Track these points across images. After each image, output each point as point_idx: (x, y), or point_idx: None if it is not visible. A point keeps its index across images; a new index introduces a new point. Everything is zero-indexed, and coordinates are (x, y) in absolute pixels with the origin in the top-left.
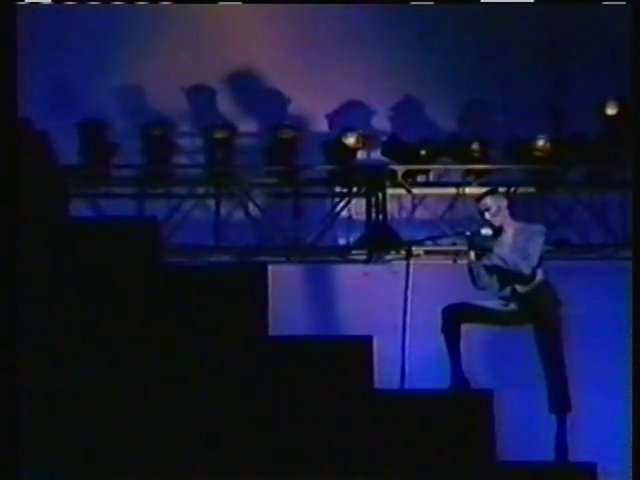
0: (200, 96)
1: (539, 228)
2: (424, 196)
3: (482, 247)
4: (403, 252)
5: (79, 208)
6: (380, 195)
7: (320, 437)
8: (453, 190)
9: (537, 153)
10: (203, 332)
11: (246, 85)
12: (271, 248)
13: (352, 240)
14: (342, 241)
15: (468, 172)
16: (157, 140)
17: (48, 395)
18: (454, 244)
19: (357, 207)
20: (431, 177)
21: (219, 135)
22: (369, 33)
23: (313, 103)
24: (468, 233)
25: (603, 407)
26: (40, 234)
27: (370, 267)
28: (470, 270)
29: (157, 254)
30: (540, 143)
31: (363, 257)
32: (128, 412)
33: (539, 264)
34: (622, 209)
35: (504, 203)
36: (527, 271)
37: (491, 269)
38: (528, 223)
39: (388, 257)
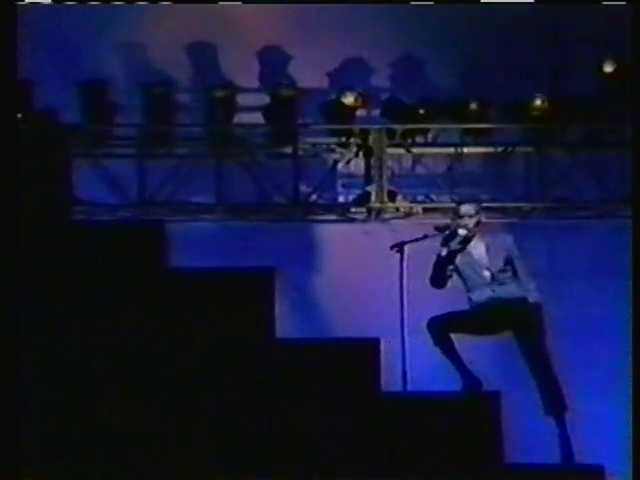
0: (200, 55)
1: (507, 242)
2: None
3: (455, 247)
4: (402, 210)
5: (81, 168)
6: (379, 154)
7: (328, 439)
8: (452, 150)
9: (535, 112)
10: (210, 334)
11: (246, 43)
12: (271, 206)
13: (351, 198)
14: (342, 199)
15: (466, 131)
16: (158, 99)
17: (50, 398)
18: (453, 201)
19: (356, 166)
20: (430, 137)
21: (219, 94)
22: None
23: (313, 61)
24: (447, 232)
25: (608, 407)
26: (45, 236)
27: (370, 225)
28: (436, 266)
29: (164, 257)
30: (538, 102)
31: (362, 215)
32: (134, 414)
33: (514, 271)
34: (620, 167)
35: (483, 217)
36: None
37: (456, 272)
38: (497, 235)
39: (387, 216)
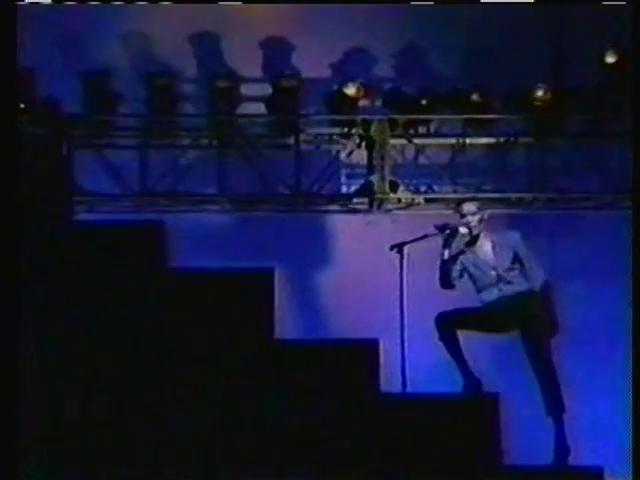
0: (203, 45)
1: (514, 238)
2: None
3: (457, 247)
4: (404, 201)
5: (83, 158)
6: (381, 145)
7: (327, 439)
8: (454, 140)
9: (537, 103)
10: (209, 335)
11: (249, 34)
12: (273, 197)
13: (353, 189)
14: (344, 190)
15: (469, 122)
16: (160, 89)
17: (49, 397)
18: (455, 192)
19: (358, 156)
20: (432, 128)
21: (222, 84)
22: None
23: (315, 52)
24: (448, 231)
25: (608, 408)
26: (45, 237)
27: (372, 216)
28: (441, 268)
29: (164, 257)
30: (540, 93)
31: (365, 206)
32: (132, 414)
33: (522, 268)
34: (622, 158)
35: (486, 213)
36: (495, 291)
37: (466, 272)
38: (503, 232)
39: (389, 206)
